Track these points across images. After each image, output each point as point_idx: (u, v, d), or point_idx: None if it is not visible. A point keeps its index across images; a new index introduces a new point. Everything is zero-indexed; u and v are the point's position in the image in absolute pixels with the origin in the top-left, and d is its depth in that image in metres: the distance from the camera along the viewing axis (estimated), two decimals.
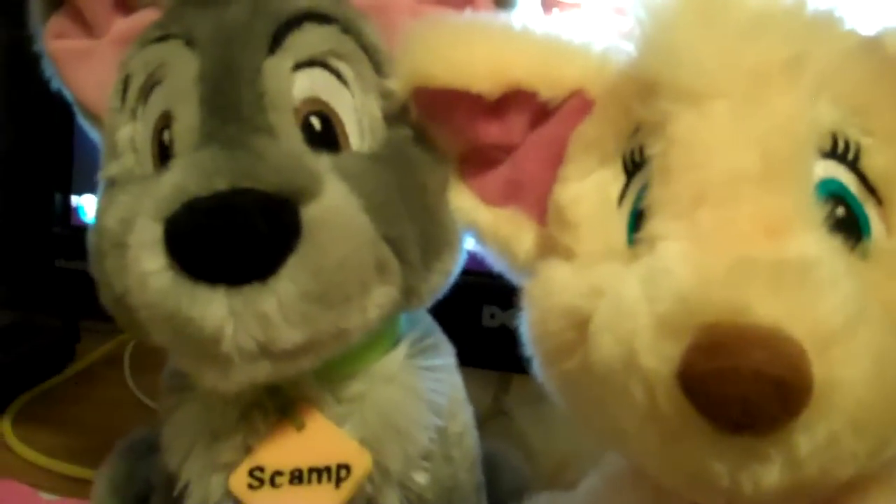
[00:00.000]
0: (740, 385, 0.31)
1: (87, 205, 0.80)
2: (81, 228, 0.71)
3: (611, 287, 0.37)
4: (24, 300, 0.86)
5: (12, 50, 0.70)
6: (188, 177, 0.41)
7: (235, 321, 0.39)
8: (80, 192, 0.81)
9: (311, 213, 0.41)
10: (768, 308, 0.32)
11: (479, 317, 0.71)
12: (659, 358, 0.34)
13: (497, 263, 0.48)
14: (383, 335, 0.49)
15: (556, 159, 0.45)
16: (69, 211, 0.81)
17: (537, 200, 0.46)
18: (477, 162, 0.48)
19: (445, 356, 0.52)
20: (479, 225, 0.47)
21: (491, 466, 0.55)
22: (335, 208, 0.41)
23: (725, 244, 0.35)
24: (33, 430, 0.80)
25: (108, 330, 0.92)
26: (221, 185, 0.40)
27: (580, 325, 0.38)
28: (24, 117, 0.79)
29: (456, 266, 0.48)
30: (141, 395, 0.86)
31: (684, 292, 0.34)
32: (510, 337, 0.69)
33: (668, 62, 0.38)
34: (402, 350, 0.49)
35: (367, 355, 0.49)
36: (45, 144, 0.80)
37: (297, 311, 0.40)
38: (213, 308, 0.39)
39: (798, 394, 0.32)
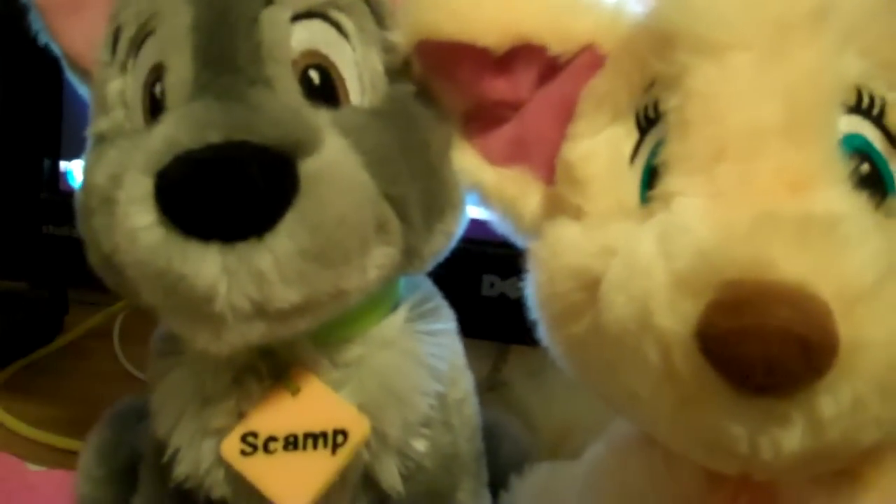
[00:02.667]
0: (764, 344, 0.30)
1: (76, 170, 0.78)
2: (70, 194, 0.69)
3: (624, 245, 0.36)
4: (10, 268, 0.84)
5: None
6: (180, 129, 0.39)
7: (229, 279, 0.38)
8: (69, 158, 0.79)
9: (309, 168, 0.39)
10: (793, 264, 0.31)
11: (479, 286, 0.69)
12: (676, 317, 0.32)
13: (501, 225, 0.46)
14: (382, 298, 0.48)
15: (564, 117, 0.43)
16: (57, 176, 0.79)
17: (544, 159, 0.44)
18: (482, 120, 0.46)
19: (446, 321, 0.50)
20: (484, 185, 0.46)
21: (491, 436, 0.54)
22: (334, 163, 0.40)
23: (746, 199, 0.34)
24: (21, 401, 0.79)
25: (97, 301, 0.91)
26: (215, 137, 0.38)
27: (590, 285, 0.37)
28: (10, 80, 0.76)
29: (458, 227, 0.47)
30: (130, 367, 0.85)
31: (704, 248, 0.32)
32: (510, 306, 0.69)
33: (687, 12, 0.37)
34: (401, 314, 0.48)
35: (365, 318, 0.47)
36: (33, 108, 0.78)
37: (295, 270, 0.38)
38: (205, 265, 0.37)
39: (824, 354, 0.30)
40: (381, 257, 0.43)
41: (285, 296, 0.39)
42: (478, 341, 0.57)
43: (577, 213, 0.40)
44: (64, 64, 0.51)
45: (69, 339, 0.93)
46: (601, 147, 0.41)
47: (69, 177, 0.79)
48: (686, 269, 0.32)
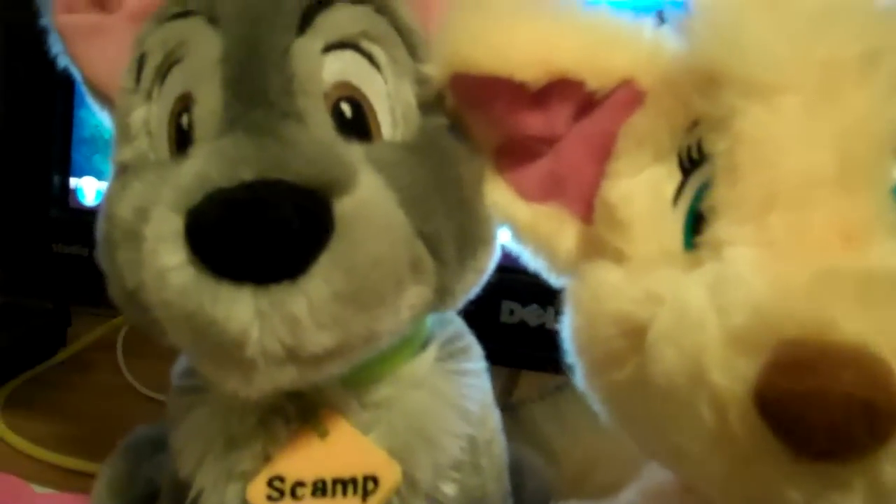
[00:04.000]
0: (827, 409, 0.29)
1: (86, 187, 0.77)
2: (80, 211, 0.68)
3: (671, 294, 0.35)
4: (16, 284, 0.83)
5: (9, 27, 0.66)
6: (211, 165, 0.38)
7: (262, 323, 0.36)
8: (78, 175, 0.77)
9: (344, 208, 0.38)
10: (855, 324, 0.30)
11: (498, 312, 0.68)
12: (732, 375, 0.31)
13: (534, 262, 0.45)
14: (412, 336, 0.46)
15: (602, 153, 0.42)
16: (67, 193, 0.77)
17: (581, 196, 0.43)
18: (515, 154, 0.45)
19: (477, 360, 0.49)
20: (518, 221, 0.45)
21: (515, 472, 0.52)
22: (370, 202, 0.39)
23: (801, 252, 0.33)
24: (24, 417, 0.78)
25: (99, 312, 0.90)
26: (248, 174, 0.37)
27: (634, 333, 0.36)
28: (21, 96, 0.75)
29: (491, 264, 0.46)
30: (135, 381, 0.83)
31: (761, 304, 0.31)
32: (528, 334, 0.68)
33: (734, 52, 0.36)
34: (431, 352, 0.47)
35: (394, 357, 0.46)
36: (43, 124, 0.76)
37: (329, 313, 0.37)
38: (238, 309, 0.36)
39: (888, 419, 0.29)
40: (414, 297, 0.42)
41: (318, 340, 0.38)
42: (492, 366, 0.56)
43: (618, 257, 0.39)
44: (84, 89, 0.50)
45: (72, 351, 0.92)
46: (642, 187, 0.40)
47: (79, 194, 0.77)
48: (742, 325, 0.31)
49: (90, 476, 0.61)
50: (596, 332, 0.39)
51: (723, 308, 0.32)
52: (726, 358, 0.31)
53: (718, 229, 0.35)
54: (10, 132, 0.76)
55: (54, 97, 0.75)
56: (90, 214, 0.47)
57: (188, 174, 0.39)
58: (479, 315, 0.53)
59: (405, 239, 0.40)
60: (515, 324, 0.68)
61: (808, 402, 0.29)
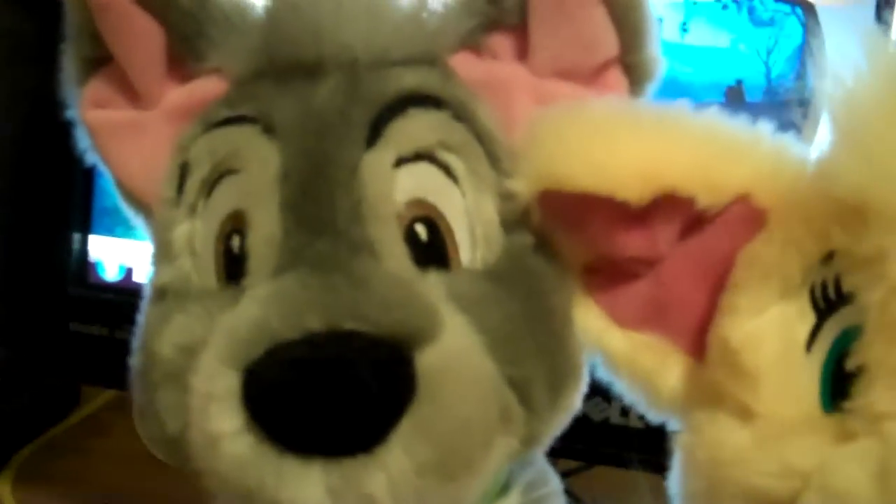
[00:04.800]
0: None
1: (106, 261, 0.72)
2: (100, 287, 0.63)
3: (818, 472, 0.30)
4: (30, 363, 0.78)
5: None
6: (271, 310, 0.33)
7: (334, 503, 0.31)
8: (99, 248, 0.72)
9: (427, 362, 0.33)
10: None
11: None
12: None
13: (631, 396, 0.40)
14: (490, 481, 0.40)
15: (712, 279, 0.37)
16: (87, 268, 0.72)
17: (687, 328, 0.38)
18: (608, 274, 0.40)
19: None
20: (612, 352, 0.39)
21: None
22: (456, 353, 0.33)
23: None
24: (35, 489, 0.74)
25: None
26: (316, 324, 0.32)
27: None
28: (38, 161, 0.70)
29: (579, 399, 0.40)
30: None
31: None
32: (591, 429, 0.63)
33: (887, 184, 0.31)
34: (513, 499, 0.41)
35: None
36: (62, 194, 0.71)
37: (411, 488, 0.32)
38: (307, 489, 0.31)
39: None
40: (499, 450, 0.36)
41: None
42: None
43: (743, 413, 0.34)
44: (117, 193, 0.44)
45: (86, 412, 0.86)
46: (770, 330, 0.35)
47: (99, 269, 0.72)
48: None
49: None
50: (720, 502, 0.33)
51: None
52: None
53: (875, 398, 0.30)
54: (28, 199, 0.71)
55: (73, 164, 0.69)
56: (111, 291, 0.41)
57: (244, 320, 0.33)
58: None
59: (494, 390, 0.35)
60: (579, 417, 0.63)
61: None
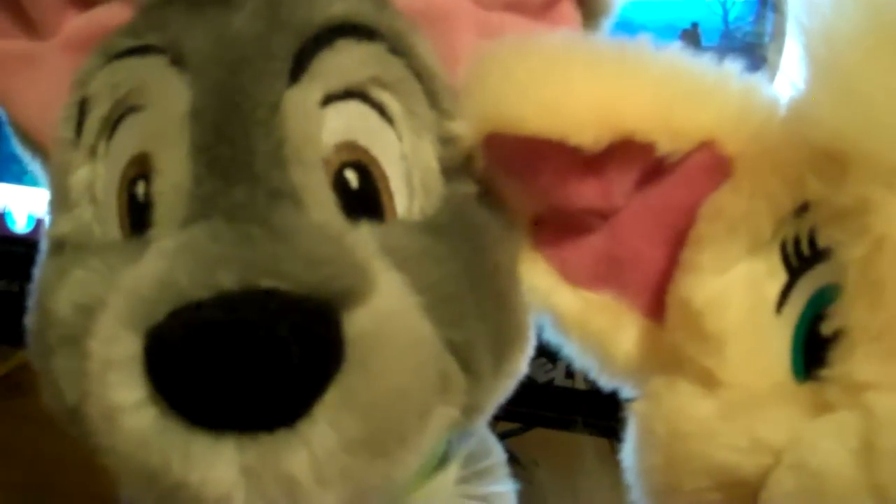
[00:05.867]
0: None
1: (14, 210, 0.67)
2: (7, 240, 0.60)
3: (792, 446, 0.28)
4: None
5: None
6: (178, 266, 0.29)
7: (248, 485, 0.28)
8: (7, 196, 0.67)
9: (358, 325, 0.29)
10: None
11: None
12: None
13: (582, 360, 0.36)
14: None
15: (672, 232, 0.35)
16: None
17: (644, 285, 0.36)
18: (559, 227, 0.37)
19: (503, 480, 0.41)
20: (562, 312, 0.37)
21: None
22: (390, 315, 0.30)
23: None
24: None
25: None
26: (229, 281, 0.28)
27: (734, 486, 0.30)
28: None
29: (526, 362, 0.37)
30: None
31: None
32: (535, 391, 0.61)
33: (873, 133, 0.28)
34: (451, 472, 0.38)
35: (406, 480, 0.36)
36: None
37: (336, 466, 0.29)
38: (217, 467, 0.28)
39: None
40: (437, 420, 0.33)
41: (321, 501, 0.29)
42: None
43: (707, 380, 0.32)
44: (11, 133, 0.39)
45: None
46: (737, 288, 0.32)
47: (7, 219, 0.67)
48: None
49: None
50: (679, 480, 0.31)
51: (880, 486, 0.25)
52: None
53: (855, 366, 0.28)
54: None
55: None
56: (20, 243, 0.37)
57: (147, 276, 0.29)
58: None
59: (433, 356, 0.31)
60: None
61: None
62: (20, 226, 0.68)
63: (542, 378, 0.60)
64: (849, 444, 0.26)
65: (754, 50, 0.56)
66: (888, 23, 0.29)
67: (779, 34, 0.47)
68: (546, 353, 0.39)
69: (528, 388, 0.58)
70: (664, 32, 0.57)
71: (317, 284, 0.29)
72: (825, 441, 0.27)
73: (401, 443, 0.31)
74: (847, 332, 0.28)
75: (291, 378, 0.28)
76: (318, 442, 0.28)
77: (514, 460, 0.63)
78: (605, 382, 0.37)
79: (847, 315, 0.28)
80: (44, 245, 0.37)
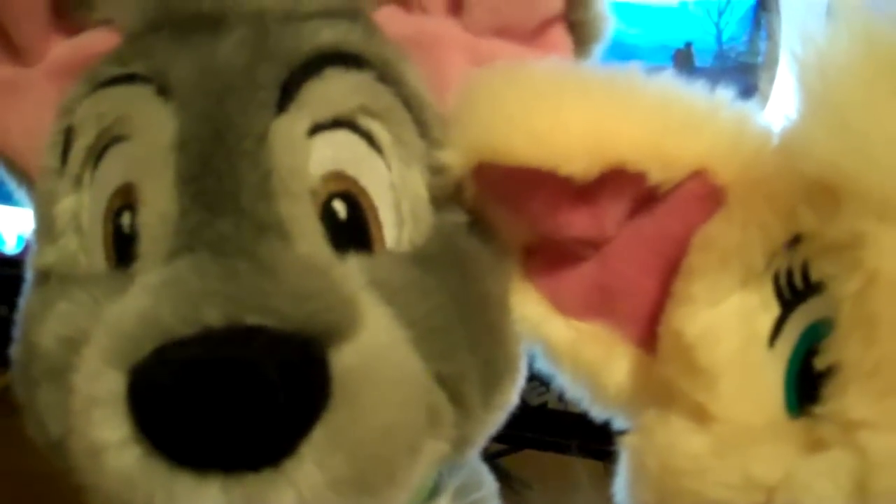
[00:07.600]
0: None
1: (3, 231, 0.66)
2: None
3: (786, 486, 0.28)
4: None
5: None
6: (163, 302, 0.29)
7: None
8: None
9: (345, 361, 0.29)
10: None
11: None
12: None
13: (574, 390, 0.36)
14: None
15: (663, 262, 0.35)
16: None
17: (635, 316, 0.36)
18: (550, 256, 0.36)
19: None
20: (553, 342, 0.36)
21: None
22: (377, 351, 0.30)
23: None
24: None
25: None
26: (214, 317, 0.28)
27: None
28: None
29: (516, 394, 0.36)
30: None
31: None
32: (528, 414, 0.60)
33: (867, 164, 0.28)
34: None
35: None
36: None
37: None
38: None
39: None
40: (427, 455, 0.32)
41: None
42: None
43: (699, 415, 0.31)
44: None
45: None
46: (730, 322, 0.32)
47: None
48: None
49: None
50: None
51: None
52: None
53: (849, 403, 0.27)
54: None
55: None
56: (9, 265, 0.36)
57: (131, 312, 0.29)
58: None
59: (421, 390, 0.31)
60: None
61: None
62: (10, 246, 0.67)
63: (535, 401, 0.59)
64: (842, 485, 0.26)
65: (748, 70, 0.56)
66: (882, 54, 0.28)
67: (770, 62, 0.47)
68: (538, 377, 0.39)
69: (521, 410, 0.58)
70: (658, 52, 0.56)
71: (303, 320, 0.28)
72: (818, 481, 0.27)
73: (389, 480, 0.30)
74: (840, 368, 0.28)
75: (277, 418, 0.27)
76: (304, 482, 0.28)
77: (507, 479, 0.63)
78: (598, 413, 0.37)
79: (840, 350, 0.28)
80: (29, 275, 0.36)
